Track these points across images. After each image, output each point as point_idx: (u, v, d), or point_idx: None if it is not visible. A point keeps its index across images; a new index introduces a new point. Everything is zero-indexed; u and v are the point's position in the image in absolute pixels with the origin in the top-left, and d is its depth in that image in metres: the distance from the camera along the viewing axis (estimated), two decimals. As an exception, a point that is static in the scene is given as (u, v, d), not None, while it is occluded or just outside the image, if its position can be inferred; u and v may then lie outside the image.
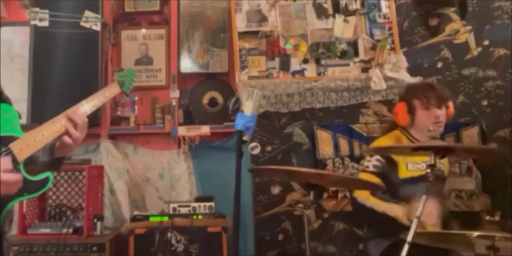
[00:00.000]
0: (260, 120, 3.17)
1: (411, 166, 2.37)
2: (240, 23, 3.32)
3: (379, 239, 2.39)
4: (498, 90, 3.26)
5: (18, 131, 1.58)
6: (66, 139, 1.61)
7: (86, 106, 1.71)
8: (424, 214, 2.07)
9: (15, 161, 1.53)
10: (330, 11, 3.31)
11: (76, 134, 1.62)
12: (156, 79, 3.45)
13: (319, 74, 3.25)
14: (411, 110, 2.41)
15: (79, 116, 1.64)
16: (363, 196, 2.28)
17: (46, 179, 1.59)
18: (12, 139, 1.55)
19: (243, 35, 3.31)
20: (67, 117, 1.62)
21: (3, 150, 1.52)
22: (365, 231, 2.67)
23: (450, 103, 2.48)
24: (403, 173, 2.36)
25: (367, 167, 2.39)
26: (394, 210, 2.21)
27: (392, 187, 2.34)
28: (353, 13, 3.28)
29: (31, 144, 1.56)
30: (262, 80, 3.25)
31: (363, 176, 2.36)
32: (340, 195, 3.17)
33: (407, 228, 1.76)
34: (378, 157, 2.38)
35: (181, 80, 3.40)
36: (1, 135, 1.53)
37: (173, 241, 2.73)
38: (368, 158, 2.44)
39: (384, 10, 3.30)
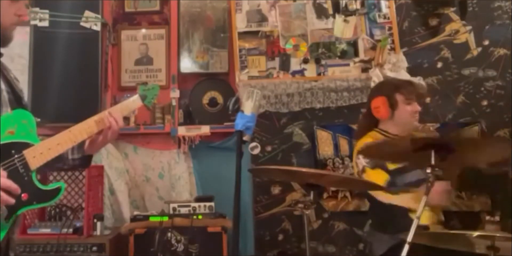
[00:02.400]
0: (260, 120, 3.17)
1: None
2: (240, 23, 3.32)
3: (382, 239, 2.39)
4: (498, 90, 3.27)
5: (34, 138, 1.57)
6: (105, 132, 1.66)
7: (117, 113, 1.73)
8: (431, 193, 2.11)
9: (27, 169, 1.52)
10: (330, 11, 3.31)
11: (108, 135, 1.68)
12: (156, 79, 3.44)
13: (319, 74, 3.26)
14: (393, 105, 2.44)
15: (118, 117, 1.69)
16: (384, 195, 2.31)
17: (58, 189, 1.58)
18: (27, 145, 1.54)
19: (243, 35, 3.32)
20: (108, 113, 1.68)
21: (16, 156, 1.50)
22: (366, 231, 2.67)
23: None
24: (390, 165, 2.37)
25: (363, 166, 2.39)
26: (406, 200, 2.23)
27: None
28: (353, 13, 3.28)
29: (45, 152, 1.55)
30: (262, 80, 3.25)
31: (372, 173, 2.35)
32: (340, 195, 3.17)
33: (409, 228, 1.75)
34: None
35: (181, 80, 3.40)
36: (16, 140, 1.52)
37: (173, 241, 2.73)
38: (357, 161, 2.44)
39: (384, 10, 3.31)
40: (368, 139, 2.46)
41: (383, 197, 2.34)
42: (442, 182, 2.20)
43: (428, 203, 2.10)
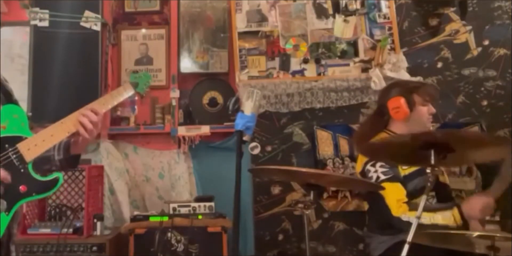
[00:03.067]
0: (260, 120, 3.17)
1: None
2: (240, 23, 3.32)
3: (380, 240, 2.39)
4: (498, 90, 3.27)
5: (26, 132, 1.60)
6: (82, 131, 1.63)
7: (99, 106, 1.73)
8: (467, 207, 2.10)
9: (23, 161, 1.54)
10: (330, 11, 3.32)
11: (85, 135, 1.65)
12: (156, 79, 3.45)
13: (319, 74, 3.26)
14: (410, 106, 2.42)
15: (90, 114, 1.66)
16: (404, 213, 2.18)
17: (56, 180, 1.60)
18: (20, 139, 1.57)
19: (243, 35, 3.32)
20: (81, 114, 1.65)
21: (10, 149, 1.53)
22: (365, 231, 2.66)
23: None
24: (401, 171, 2.35)
25: (378, 177, 2.28)
26: (443, 217, 2.13)
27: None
28: (353, 13, 3.28)
29: (39, 144, 1.58)
30: (262, 80, 3.25)
31: (391, 188, 2.24)
32: (340, 195, 3.17)
33: (408, 228, 1.75)
34: (380, 163, 2.31)
35: (181, 80, 3.40)
36: (9, 135, 1.55)
37: (173, 241, 2.73)
38: (369, 167, 2.33)
39: (384, 10, 3.31)
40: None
41: (401, 213, 2.18)
42: (483, 195, 2.17)
43: (468, 217, 2.11)
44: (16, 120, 1.58)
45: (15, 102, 1.66)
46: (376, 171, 2.31)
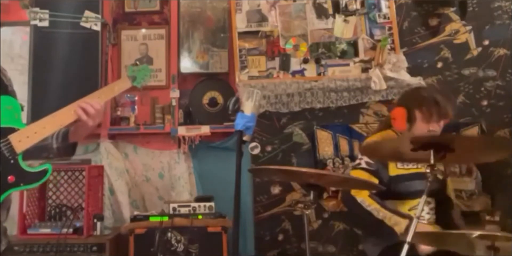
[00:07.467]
0: (260, 120, 3.17)
1: (400, 164, 2.35)
2: (240, 23, 3.32)
3: (377, 240, 2.39)
4: (498, 90, 3.27)
5: (19, 123, 1.62)
6: (83, 117, 1.65)
7: (93, 99, 1.74)
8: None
9: (13, 152, 1.56)
10: (330, 11, 3.32)
11: (89, 121, 1.68)
12: (156, 79, 3.45)
13: (319, 74, 3.26)
14: (410, 120, 2.36)
15: (89, 105, 1.68)
16: (363, 197, 2.26)
17: (45, 171, 1.62)
18: (12, 130, 1.59)
19: (243, 35, 3.32)
20: (78, 106, 1.67)
21: (1, 141, 1.54)
22: (363, 233, 2.67)
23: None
24: (394, 171, 2.34)
25: (358, 164, 2.37)
26: (394, 221, 2.20)
27: (382, 184, 2.26)
28: (353, 13, 3.28)
29: (31, 136, 1.60)
30: (262, 80, 3.25)
31: (354, 173, 2.34)
32: (340, 195, 3.17)
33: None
34: (372, 159, 2.34)
35: (181, 80, 3.40)
36: (1, 126, 1.57)
37: (173, 241, 2.73)
38: (359, 156, 2.41)
39: (384, 10, 3.31)
40: (378, 137, 2.44)
41: (361, 197, 2.26)
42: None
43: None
44: (9, 112, 1.60)
45: (10, 93, 1.67)
46: (361, 159, 2.36)
